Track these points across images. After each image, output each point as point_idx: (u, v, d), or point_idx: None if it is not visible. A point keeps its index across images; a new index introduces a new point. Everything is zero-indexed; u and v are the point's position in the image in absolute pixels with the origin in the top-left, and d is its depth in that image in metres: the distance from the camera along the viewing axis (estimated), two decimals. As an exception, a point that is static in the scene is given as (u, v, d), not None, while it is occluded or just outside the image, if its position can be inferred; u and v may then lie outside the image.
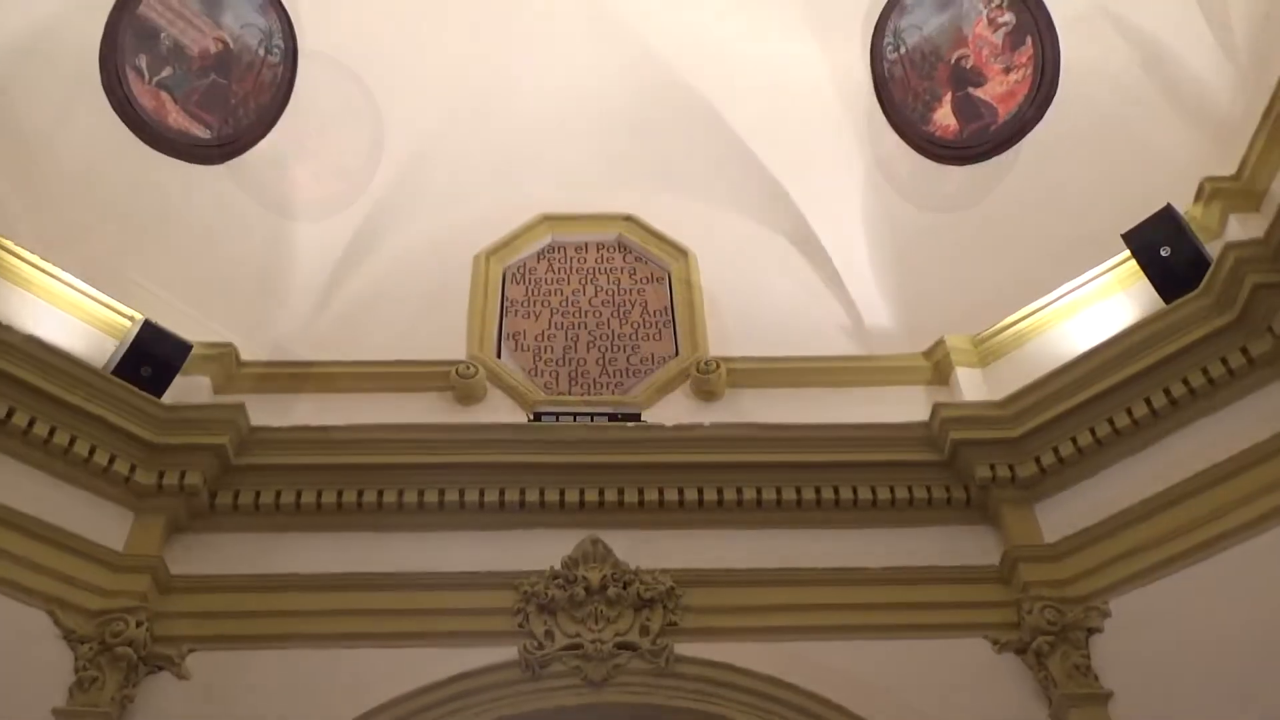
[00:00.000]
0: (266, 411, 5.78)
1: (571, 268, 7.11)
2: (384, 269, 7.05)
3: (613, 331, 6.73)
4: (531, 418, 6.04)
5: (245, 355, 6.22)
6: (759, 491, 5.66)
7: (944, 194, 6.83)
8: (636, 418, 6.03)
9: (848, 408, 6.05)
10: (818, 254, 7.08)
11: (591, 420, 5.94)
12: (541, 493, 5.61)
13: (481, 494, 5.59)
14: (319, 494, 5.57)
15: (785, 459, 5.70)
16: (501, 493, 5.60)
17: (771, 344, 6.50)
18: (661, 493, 5.64)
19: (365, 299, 6.86)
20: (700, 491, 5.65)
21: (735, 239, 7.25)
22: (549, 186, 7.37)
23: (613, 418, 6.00)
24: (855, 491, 5.67)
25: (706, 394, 6.30)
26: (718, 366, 6.29)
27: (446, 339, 6.52)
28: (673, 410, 6.16)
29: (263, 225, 6.79)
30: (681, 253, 7.12)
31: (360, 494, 5.58)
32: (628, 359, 6.58)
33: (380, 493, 5.59)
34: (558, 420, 5.94)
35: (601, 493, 5.63)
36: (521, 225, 7.24)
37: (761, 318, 6.75)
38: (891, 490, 5.68)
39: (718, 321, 6.71)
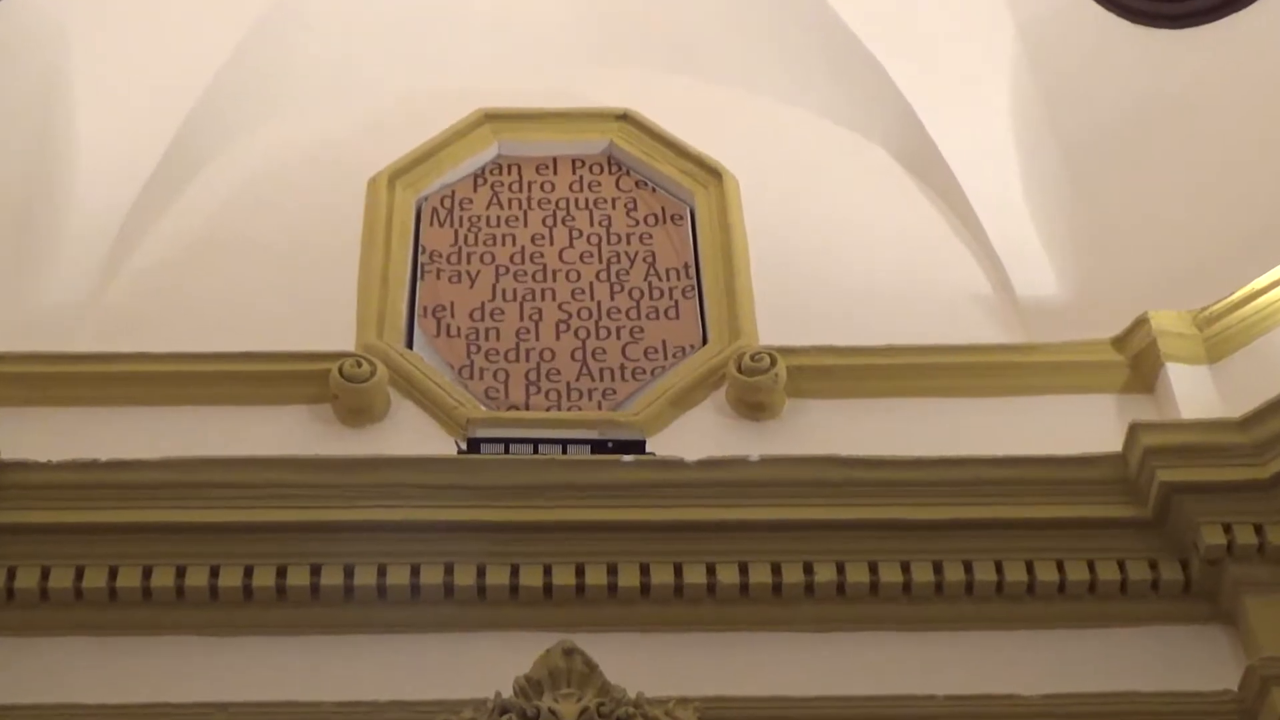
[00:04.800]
0: (22, 437, 5.75)
1: (531, 198, 7.13)
2: (218, 203, 7.09)
3: (599, 304, 6.73)
4: (464, 447, 6.03)
5: (-9, 344, 6.22)
6: (840, 570, 5.63)
7: (1146, 78, 6.84)
8: (640, 447, 6.01)
9: (988, 431, 6.04)
10: (940, 177, 7.12)
11: (564, 452, 5.93)
12: (481, 572, 5.59)
13: (382, 575, 5.57)
14: (112, 573, 5.53)
15: (885, 515, 5.68)
16: (415, 572, 5.57)
17: (861, 326, 6.52)
18: (679, 573, 5.61)
19: (188, 252, 6.89)
20: (743, 570, 5.62)
21: (802, 151, 7.29)
22: (492, 66, 7.43)
23: (599, 447, 5.98)
24: (1000, 569, 5.65)
25: (753, 408, 6.29)
26: (772, 363, 6.27)
27: (323, 317, 6.54)
28: (698, 435, 6.16)
29: (18, 129, 6.77)
30: (713, 174, 7.12)
31: (181, 574, 5.54)
32: (624, 350, 6.58)
33: (214, 572, 5.56)
34: (507, 451, 5.92)
35: (580, 572, 5.60)
36: (448, 128, 7.24)
37: (845, 282, 6.79)
38: (1060, 566, 5.66)
39: (772, 288, 6.74)
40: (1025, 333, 6.64)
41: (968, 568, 5.64)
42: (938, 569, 5.64)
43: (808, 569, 5.62)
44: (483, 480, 5.73)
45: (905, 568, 5.64)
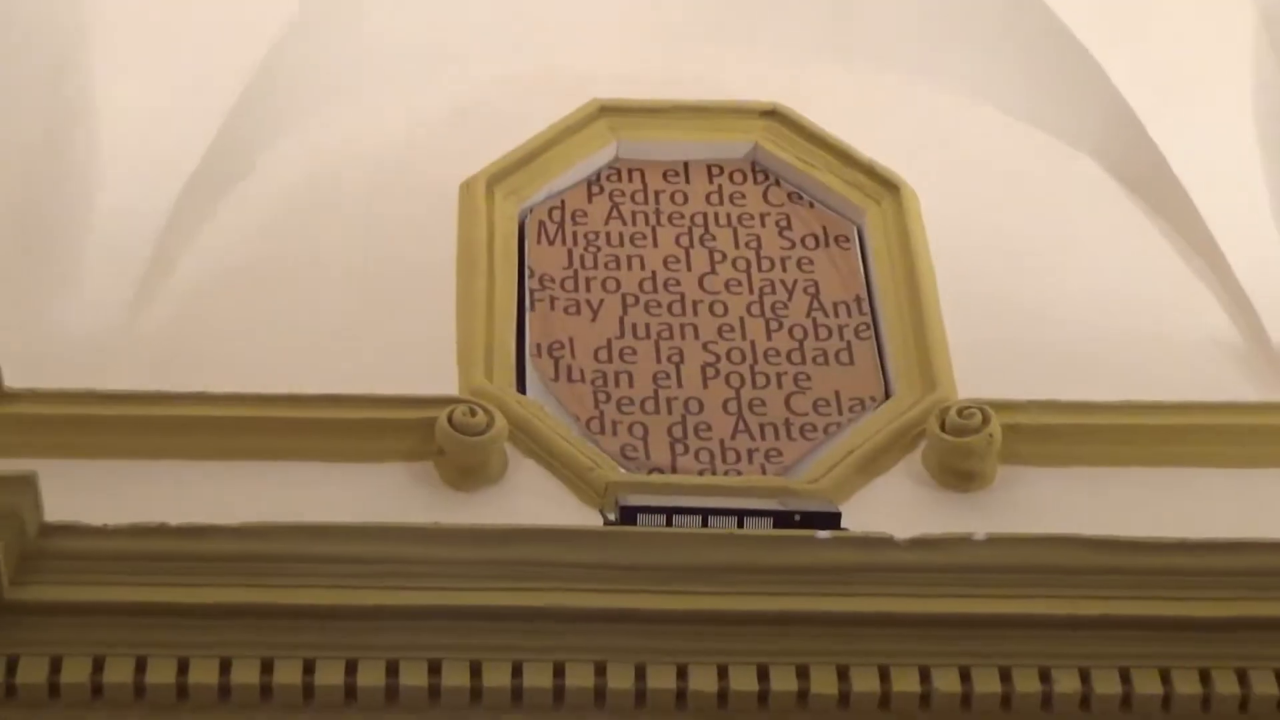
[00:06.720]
0: (60, 493, 5.66)
1: (660, 211, 7.20)
2: (274, 212, 7.18)
3: (752, 344, 6.75)
4: (612, 517, 5.98)
5: (9, 378, 6.18)
6: (1085, 679, 5.57)
7: None
8: (834, 521, 5.95)
9: (1246, 508, 6.12)
10: (1168, 196, 7.15)
11: (740, 526, 5.87)
12: (641, 674, 5.53)
13: (518, 675, 5.52)
14: (182, 667, 5.48)
15: (1141, 612, 5.64)
16: (558, 673, 5.53)
17: (1078, 376, 6.58)
18: (885, 678, 5.56)
19: (238, 272, 6.96)
20: (965, 677, 5.57)
21: (993, 161, 7.36)
22: (611, 48, 7.51)
23: (783, 520, 5.92)
24: (1281, 679, 5.64)
25: (960, 475, 6.31)
26: (985, 420, 6.27)
27: (413, 353, 6.60)
28: (892, 508, 6.19)
29: (31, 126, 6.76)
30: (888, 186, 7.19)
31: (268, 669, 5.49)
32: (788, 402, 6.58)
33: (308, 668, 5.51)
34: (670, 523, 5.86)
35: (764, 675, 5.55)
36: (557, 122, 7.32)
37: (1055, 323, 6.84)
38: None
39: (966, 328, 6.79)
40: (1283, 387, 6.64)
41: (1242, 679, 5.59)
42: (1205, 678, 5.58)
43: (1044, 676, 5.57)
44: (645, 559, 5.66)
45: (1165, 676, 5.58)
